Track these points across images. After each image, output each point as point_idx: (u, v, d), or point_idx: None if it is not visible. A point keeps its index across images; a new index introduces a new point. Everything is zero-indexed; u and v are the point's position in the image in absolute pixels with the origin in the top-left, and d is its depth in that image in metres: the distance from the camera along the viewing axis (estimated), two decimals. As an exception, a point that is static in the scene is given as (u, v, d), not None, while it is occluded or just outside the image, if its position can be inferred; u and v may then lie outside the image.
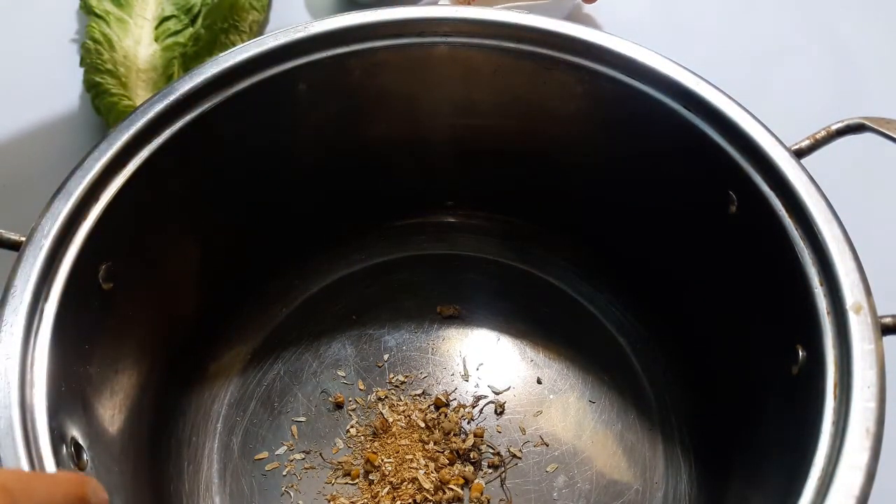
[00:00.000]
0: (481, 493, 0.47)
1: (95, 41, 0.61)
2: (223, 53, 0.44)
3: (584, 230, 0.55)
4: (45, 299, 0.36)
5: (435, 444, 0.48)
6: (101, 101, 0.59)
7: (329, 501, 0.47)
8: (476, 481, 0.47)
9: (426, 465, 0.47)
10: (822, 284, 0.36)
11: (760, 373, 0.42)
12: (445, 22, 0.46)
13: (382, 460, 0.48)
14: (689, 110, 0.43)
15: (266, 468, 0.48)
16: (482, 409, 0.50)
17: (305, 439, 0.49)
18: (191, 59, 0.62)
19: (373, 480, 0.47)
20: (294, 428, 0.50)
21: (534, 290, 0.56)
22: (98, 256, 0.39)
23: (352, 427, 0.50)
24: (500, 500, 0.47)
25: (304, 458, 0.48)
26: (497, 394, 0.51)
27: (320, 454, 0.49)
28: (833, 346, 0.34)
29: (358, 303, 0.55)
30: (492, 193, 0.56)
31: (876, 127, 0.39)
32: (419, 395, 0.51)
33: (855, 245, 0.36)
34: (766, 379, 0.41)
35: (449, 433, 0.49)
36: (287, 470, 0.48)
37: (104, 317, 0.41)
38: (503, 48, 0.46)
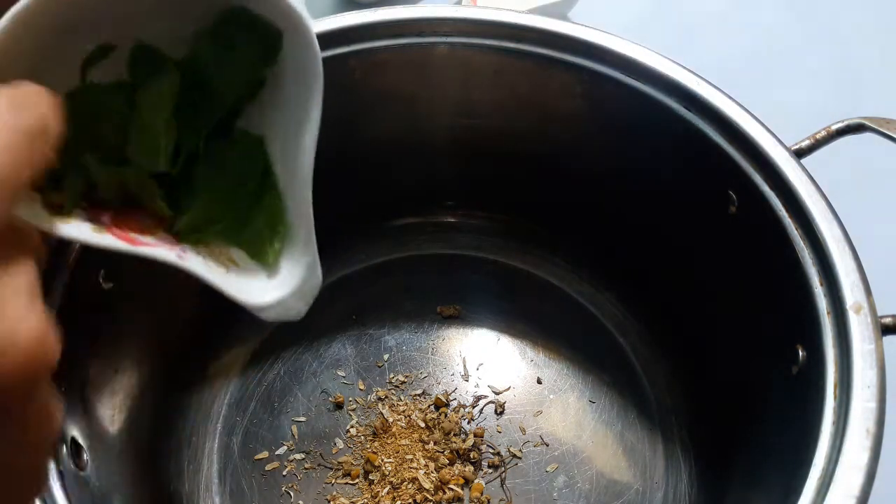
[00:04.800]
0: (481, 493, 0.47)
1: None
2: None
3: (584, 230, 0.55)
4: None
5: (435, 444, 0.48)
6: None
7: (329, 501, 0.47)
8: (476, 481, 0.47)
9: (426, 465, 0.47)
10: (822, 284, 0.36)
11: (760, 373, 0.42)
12: (445, 22, 0.46)
13: (382, 460, 0.48)
14: (690, 110, 0.43)
15: (266, 468, 0.48)
16: (482, 409, 0.50)
17: (305, 439, 0.49)
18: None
19: (373, 480, 0.47)
20: (294, 428, 0.50)
21: (534, 290, 0.56)
22: (99, 257, 0.39)
23: (352, 427, 0.50)
24: (500, 500, 0.47)
25: (304, 458, 0.48)
26: (497, 394, 0.51)
27: (320, 454, 0.49)
28: (833, 346, 0.34)
29: (358, 303, 0.55)
30: (492, 193, 0.56)
31: (876, 127, 0.39)
32: (419, 395, 0.51)
33: (855, 245, 0.36)
34: (766, 379, 0.41)
35: (449, 433, 0.49)
36: (287, 470, 0.48)
37: (104, 317, 0.41)
38: (503, 48, 0.46)
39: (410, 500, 0.46)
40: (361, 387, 0.51)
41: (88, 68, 0.28)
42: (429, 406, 0.50)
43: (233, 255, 0.32)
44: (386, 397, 0.51)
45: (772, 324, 0.41)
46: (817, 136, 0.41)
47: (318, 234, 0.55)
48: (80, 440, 0.36)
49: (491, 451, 0.49)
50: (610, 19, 0.69)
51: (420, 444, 0.48)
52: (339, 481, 0.48)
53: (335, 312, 0.54)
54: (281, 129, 0.32)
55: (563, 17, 0.66)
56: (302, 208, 0.32)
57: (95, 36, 0.28)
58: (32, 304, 0.18)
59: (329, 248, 0.56)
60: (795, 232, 0.38)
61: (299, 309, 0.33)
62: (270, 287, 0.32)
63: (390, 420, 0.49)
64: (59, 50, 0.27)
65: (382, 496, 0.46)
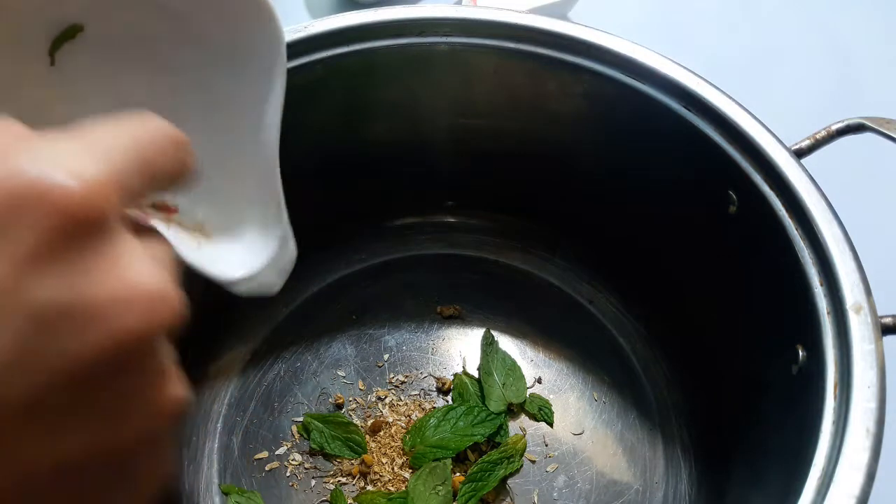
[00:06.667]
0: (481, 493, 0.47)
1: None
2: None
3: (585, 230, 0.55)
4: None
5: (435, 444, 0.48)
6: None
7: (329, 501, 0.47)
8: (476, 481, 0.47)
9: (426, 465, 0.47)
10: (822, 284, 0.36)
11: (760, 372, 0.42)
12: (445, 22, 0.46)
13: (381, 461, 0.48)
14: (690, 110, 0.43)
15: (266, 468, 0.48)
16: (482, 409, 0.50)
17: (305, 439, 0.49)
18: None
19: (372, 480, 0.47)
20: (294, 428, 0.50)
21: (534, 290, 0.56)
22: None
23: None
24: (501, 499, 0.47)
25: (303, 458, 0.48)
26: (497, 394, 0.51)
27: (320, 454, 0.49)
28: (833, 346, 0.34)
29: (358, 303, 0.55)
30: (492, 193, 0.56)
31: (876, 127, 0.39)
32: (419, 395, 0.51)
33: (855, 245, 0.36)
34: (766, 379, 0.41)
35: (449, 433, 0.49)
36: (287, 470, 0.48)
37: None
38: (503, 48, 0.46)
39: (410, 500, 0.46)
40: (361, 387, 0.51)
41: (56, 49, 0.28)
42: (431, 407, 0.50)
43: (205, 230, 0.31)
44: (386, 397, 0.51)
45: (772, 323, 0.41)
46: (817, 136, 0.41)
47: (319, 234, 0.55)
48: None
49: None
50: (610, 19, 0.69)
51: (420, 444, 0.48)
52: (338, 481, 0.48)
53: (335, 312, 0.54)
54: (246, 103, 0.32)
55: (563, 17, 0.66)
56: (271, 181, 0.31)
57: (62, 15, 0.27)
58: (154, 265, 0.18)
59: (329, 247, 0.56)
60: (795, 232, 0.38)
61: (273, 283, 0.32)
62: (243, 261, 0.31)
63: (390, 420, 0.49)
64: (26, 30, 0.26)
65: (381, 496, 0.46)
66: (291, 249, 0.32)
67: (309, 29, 0.45)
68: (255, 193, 0.32)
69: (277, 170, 0.31)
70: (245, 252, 0.32)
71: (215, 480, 0.47)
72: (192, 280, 0.50)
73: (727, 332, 0.47)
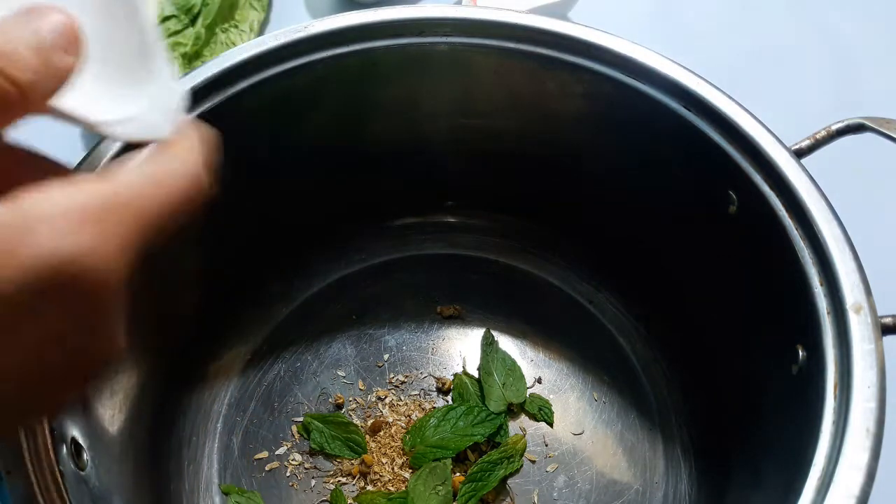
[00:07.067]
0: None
1: (95, 41, 0.61)
2: (223, 53, 0.44)
3: (585, 230, 0.55)
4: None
5: (435, 444, 0.48)
6: (101, 100, 0.59)
7: (329, 501, 0.47)
8: (476, 481, 0.47)
9: (426, 465, 0.47)
10: (822, 284, 0.36)
11: (760, 373, 0.42)
12: (445, 22, 0.46)
13: (381, 461, 0.48)
14: (689, 110, 0.43)
15: (266, 468, 0.48)
16: (482, 409, 0.50)
17: (305, 439, 0.49)
18: (191, 58, 0.62)
19: (372, 480, 0.47)
20: (294, 428, 0.50)
21: (534, 290, 0.56)
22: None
23: (352, 427, 0.50)
24: (501, 499, 0.47)
25: (303, 458, 0.48)
26: (497, 394, 0.51)
27: (320, 454, 0.49)
28: (833, 346, 0.34)
29: (358, 303, 0.55)
30: (492, 193, 0.56)
31: (876, 127, 0.39)
32: (419, 395, 0.51)
33: (855, 245, 0.36)
34: (766, 379, 0.41)
35: (449, 433, 0.49)
36: (287, 470, 0.48)
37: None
38: (503, 48, 0.46)
39: (410, 500, 0.46)
40: (361, 387, 0.51)
41: None
42: (431, 407, 0.50)
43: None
44: (386, 397, 0.51)
45: (772, 324, 0.41)
46: (817, 136, 0.41)
47: (319, 234, 0.55)
48: (80, 440, 0.36)
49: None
50: (610, 19, 0.69)
51: (420, 444, 0.48)
52: (338, 481, 0.48)
53: (335, 312, 0.54)
54: None
55: (563, 17, 0.66)
56: (138, 15, 0.30)
57: None
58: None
59: (329, 247, 0.56)
60: (795, 232, 0.38)
61: (159, 125, 0.30)
62: (120, 103, 0.30)
63: (390, 420, 0.49)
64: None
65: (381, 496, 0.46)
66: (173, 87, 0.30)
67: (309, 29, 0.45)
68: (122, 29, 0.30)
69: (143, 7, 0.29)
70: (122, 94, 0.30)
71: (215, 480, 0.47)
72: (193, 281, 0.50)
73: (727, 332, 0.47)
